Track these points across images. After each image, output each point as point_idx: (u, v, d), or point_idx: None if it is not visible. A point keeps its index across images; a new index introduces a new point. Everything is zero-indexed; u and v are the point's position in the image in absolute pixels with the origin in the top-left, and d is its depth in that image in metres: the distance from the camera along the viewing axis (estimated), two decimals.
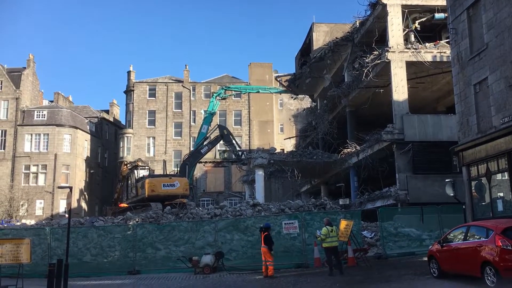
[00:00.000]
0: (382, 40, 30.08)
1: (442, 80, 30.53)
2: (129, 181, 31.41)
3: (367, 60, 28.66)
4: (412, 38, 28.53)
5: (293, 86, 42.76)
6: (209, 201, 54.75)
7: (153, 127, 60.09)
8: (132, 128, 59.70)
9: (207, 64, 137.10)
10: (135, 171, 30.81)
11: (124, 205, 30.13)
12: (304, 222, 17.55)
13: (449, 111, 30.26)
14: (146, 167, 32.48)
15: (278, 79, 42.42)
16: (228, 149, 38.56)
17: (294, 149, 44.94)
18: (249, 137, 60.32)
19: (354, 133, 34.16)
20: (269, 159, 34.12)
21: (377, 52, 28.11)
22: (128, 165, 34.98)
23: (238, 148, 38.61)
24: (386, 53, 27.13)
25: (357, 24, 36.15)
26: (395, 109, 26.86)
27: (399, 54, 27.24)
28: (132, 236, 20.89)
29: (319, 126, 38.30)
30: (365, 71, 27.69)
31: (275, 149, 36.80)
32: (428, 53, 27.42)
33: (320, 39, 37.96)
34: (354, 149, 31.91)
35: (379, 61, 27.50)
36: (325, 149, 38.15)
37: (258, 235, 21.26)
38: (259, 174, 34.39)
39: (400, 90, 26.94)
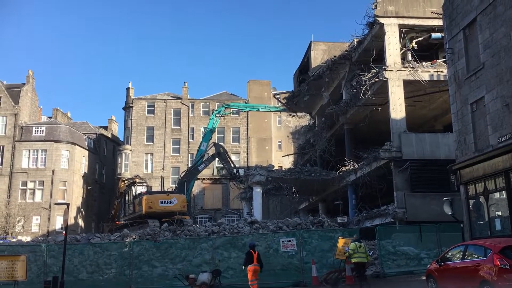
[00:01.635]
0: (380, 58, 30.30)
1: (440, 99, 30.72)
2: (127, 198, 31.27)
3: (364, 79, 28.82)
4: (409, 57, 28.74)
5: (291, 103, 42.92)
6: (207, 218, 54.53)
7: (151, 143, 60.13)
8: (131, 145, 59.73)
9: (205, 82, 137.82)
10: (133, 188, 30.70)
11: (119, 222, 29.96)
12: (302, 240, 17.47)
13: (446, 130, 30.39)
14: (144, 184, 32.38)
15: (277, 97, 42.65)
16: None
17: (292, 166, 44.93)
18: (247, 154, 60.38)
19: (352, 150, 34.29)
20: (267, 176, 34.09)
21: (374, 71, 28.27)
22: (126, 181, 34.89)
23: (232, 166, 38.60)
24: (384, 72, 27.30)
25: (355, 42, 36.58)
26: (392, 127, 26.94)
27: (397, 73, 27.43)
28: (128, 253, 20.75)
29: (317, 143, 38.36)
30: (363, 89, 27.84)
31: (273, 166, 36.85)
32: (425, 72, 27.62)
33: (318, 57, 38.26)
34: (352, 167, 31.92)
35: (376, 79, 27.66)
36: (323, 166, 38.17)
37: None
38: (257, 191, 34.32)
39: (397, 108, 27.06)
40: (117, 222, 30.94)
